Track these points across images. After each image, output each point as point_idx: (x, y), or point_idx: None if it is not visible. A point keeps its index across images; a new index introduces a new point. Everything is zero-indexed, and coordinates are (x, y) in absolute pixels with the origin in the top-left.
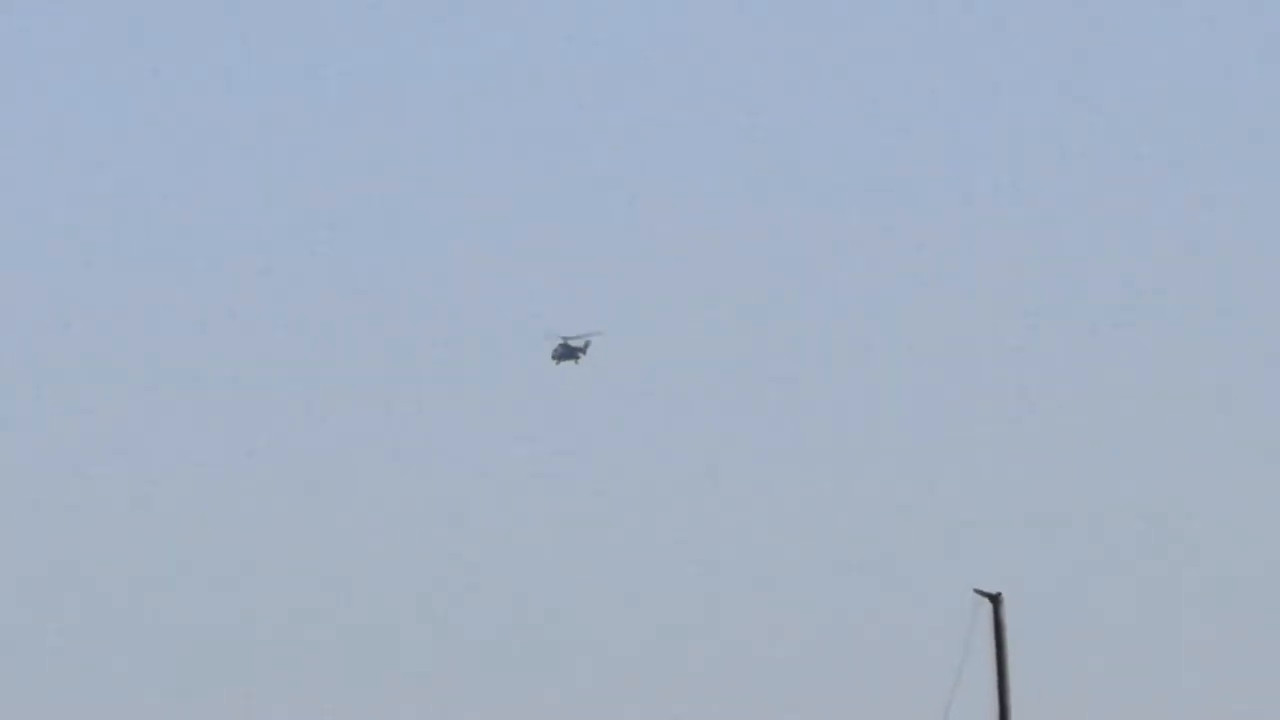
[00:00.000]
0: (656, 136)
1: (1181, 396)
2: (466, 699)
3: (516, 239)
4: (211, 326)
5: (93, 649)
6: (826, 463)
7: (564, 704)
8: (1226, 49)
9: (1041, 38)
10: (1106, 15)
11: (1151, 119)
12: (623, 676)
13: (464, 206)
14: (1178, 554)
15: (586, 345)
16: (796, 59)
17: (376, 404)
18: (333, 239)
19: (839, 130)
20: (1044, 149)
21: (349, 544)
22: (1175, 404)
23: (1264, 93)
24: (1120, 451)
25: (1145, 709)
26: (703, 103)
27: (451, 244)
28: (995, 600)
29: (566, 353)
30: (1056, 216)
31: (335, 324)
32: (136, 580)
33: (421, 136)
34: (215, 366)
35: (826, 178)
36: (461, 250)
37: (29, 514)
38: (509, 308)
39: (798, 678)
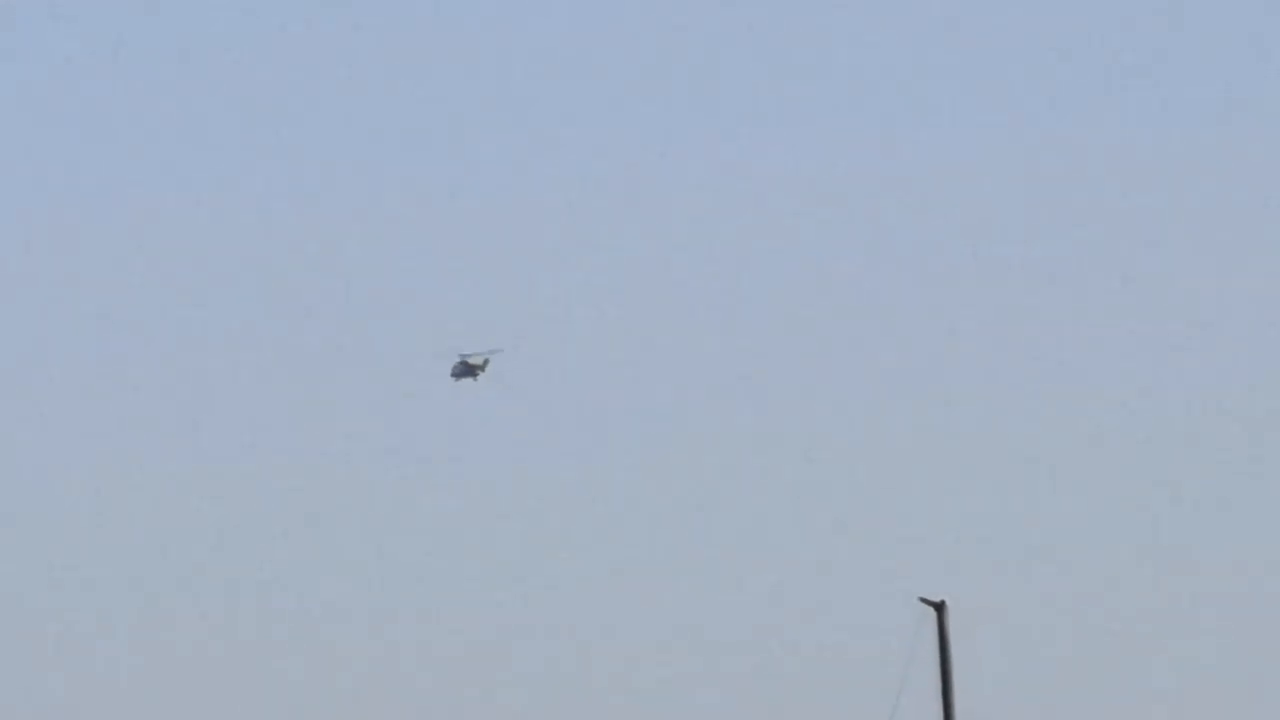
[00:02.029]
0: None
1: (1125, 398)
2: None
3: (423, 253)
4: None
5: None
6: (772, 468)
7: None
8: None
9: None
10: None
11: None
12: (565, 687)
13: (371, 217)
14: (1123, 561)
15: (486, 363)
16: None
17: (278, 414)
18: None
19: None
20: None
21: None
22: (1118, 406)
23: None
24: (1065, 458)
25: (1090, 717)
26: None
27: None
28: (939, 608)
29: (465, 370)
30: (995, 215)
31: (256, 331)
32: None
33: (337, 138)
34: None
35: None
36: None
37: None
38: (413, 323)
39: (743, 686)
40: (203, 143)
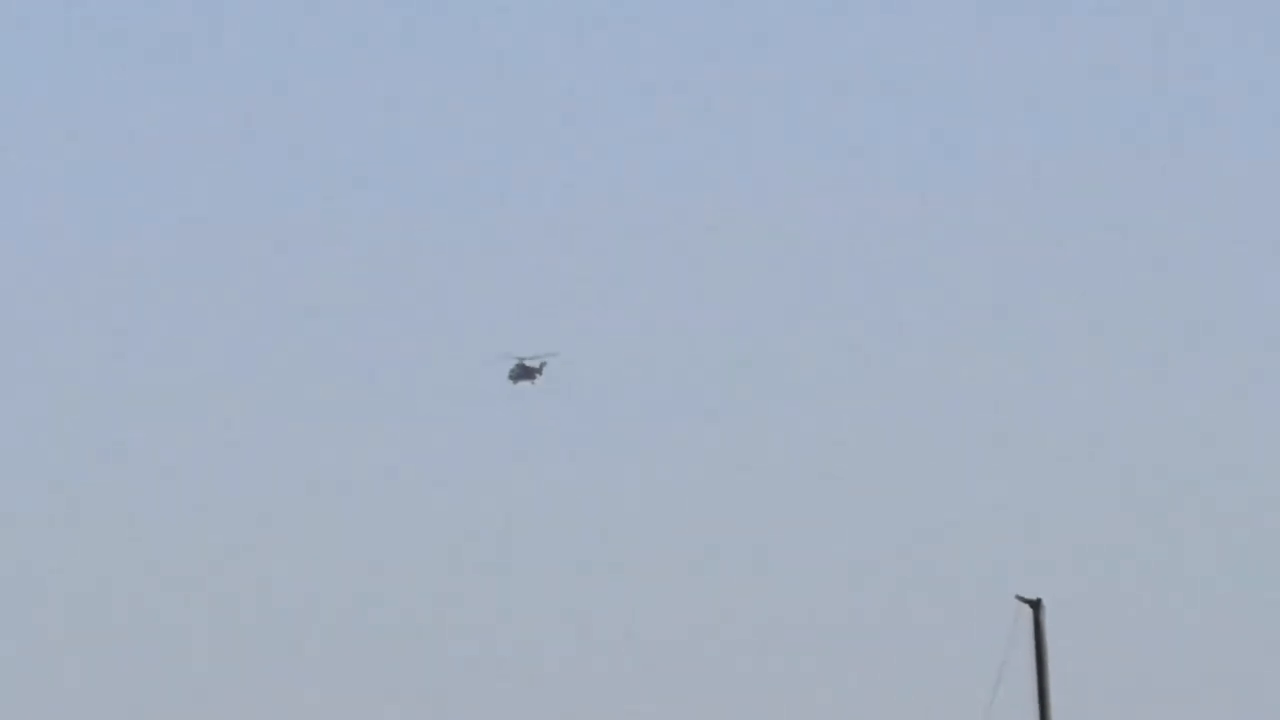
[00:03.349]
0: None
1: (1225, 395)
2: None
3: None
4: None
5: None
6: (871, 466)
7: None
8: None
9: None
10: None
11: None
12: (639, 679)
13: (423, 222)
14: (1220, 560)
15: (543, 366)
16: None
17: (336, 419)
18: (293, 256)
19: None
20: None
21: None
22: (1218, 404)
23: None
24: (1165, 457)
25: (1184, 716)
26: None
27: (414, 259)
28: (1036, 606)
29: (523, 373)
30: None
31: (295, 337)
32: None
33: (383, 148)
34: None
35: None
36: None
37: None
38: (469, 326)
39: (839, 684)
40: (242, 144)
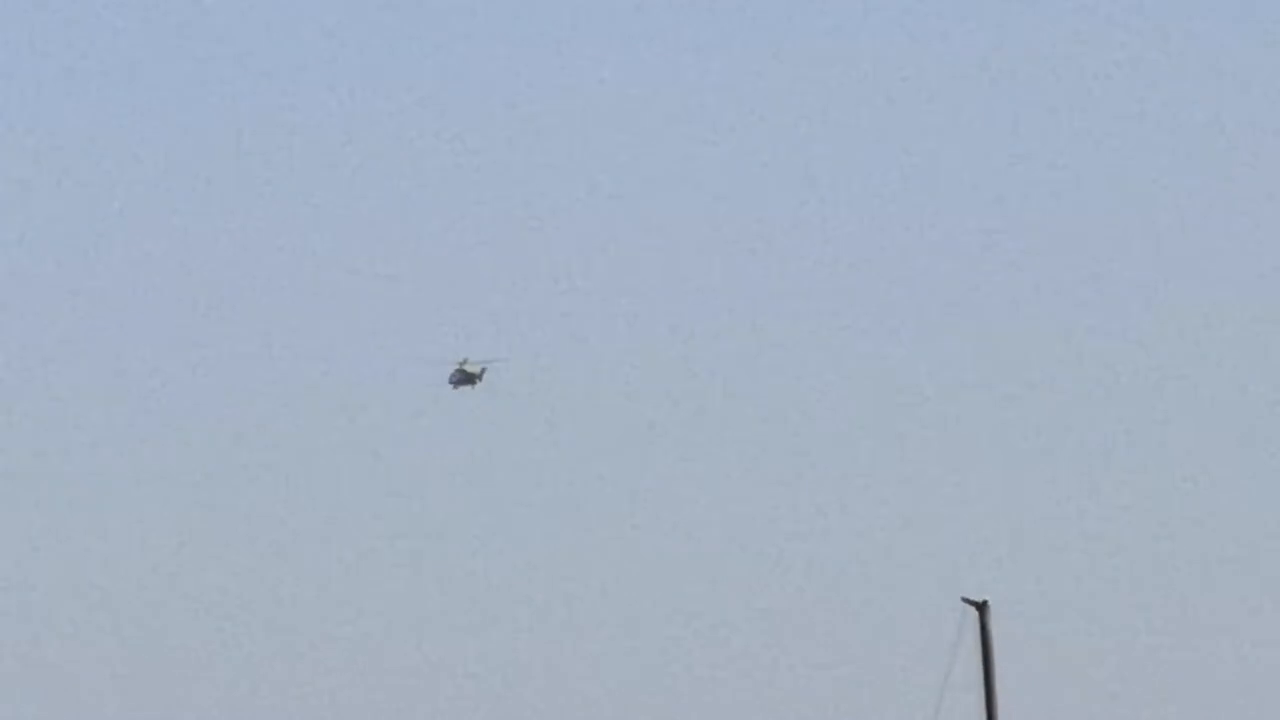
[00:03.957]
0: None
1: (1171, 399)
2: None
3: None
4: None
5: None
6: (816, 469)
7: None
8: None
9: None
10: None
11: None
12: (612, 689)
13: (372, 228)
14: (1165, 561)
15: (483, 371)
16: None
17: (279, 425)
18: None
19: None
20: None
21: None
22: (1166, 408)
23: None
24: (1110, 458)
25: (1132, 717)
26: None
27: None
28: (981, 608)
29: (464, 378)
30: (1037, 222)
31: (249, 347)
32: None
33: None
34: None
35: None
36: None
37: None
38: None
39: (784, 686)
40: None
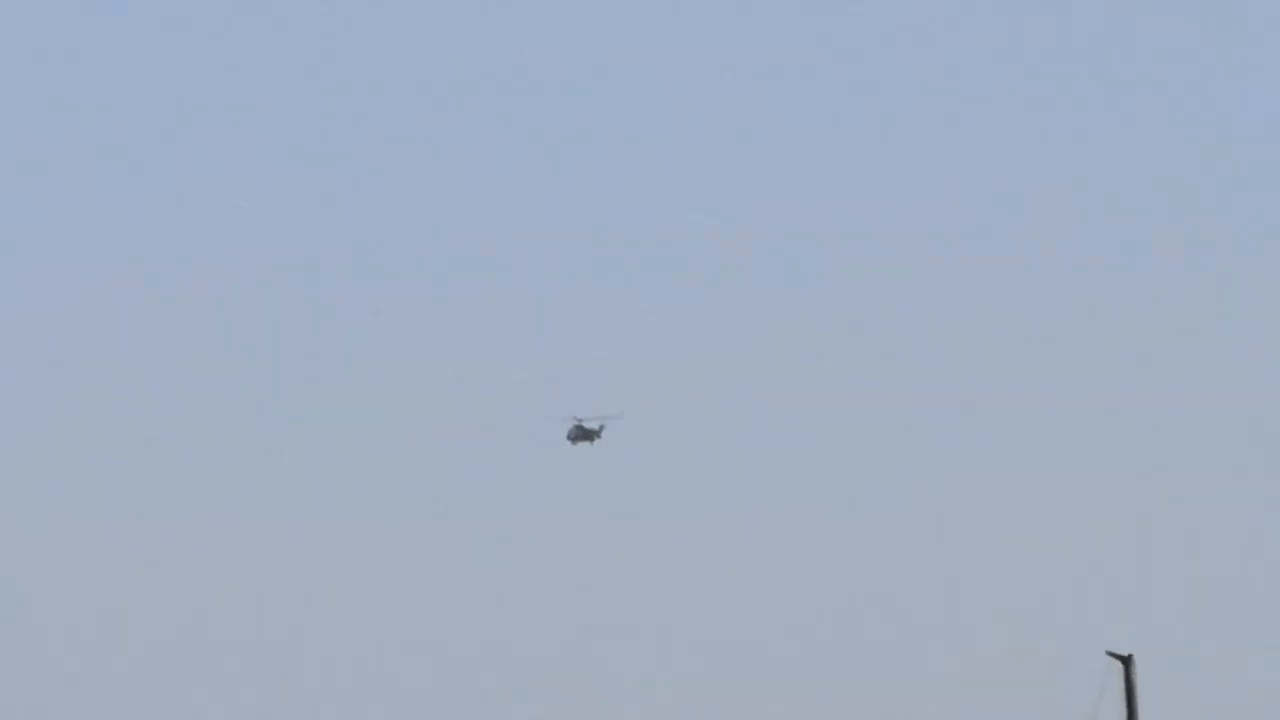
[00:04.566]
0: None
1: None
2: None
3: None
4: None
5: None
6: (959, 521)
7: None
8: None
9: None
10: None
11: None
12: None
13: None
14: None
15: (602, 428)
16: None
17: (398, 484)
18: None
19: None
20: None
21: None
22: None
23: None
24: (1256, 510)
25: None
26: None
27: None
28: (1127, 662)
29: (582, 434)
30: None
31: (350, 397)
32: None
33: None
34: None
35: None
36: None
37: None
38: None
39: None
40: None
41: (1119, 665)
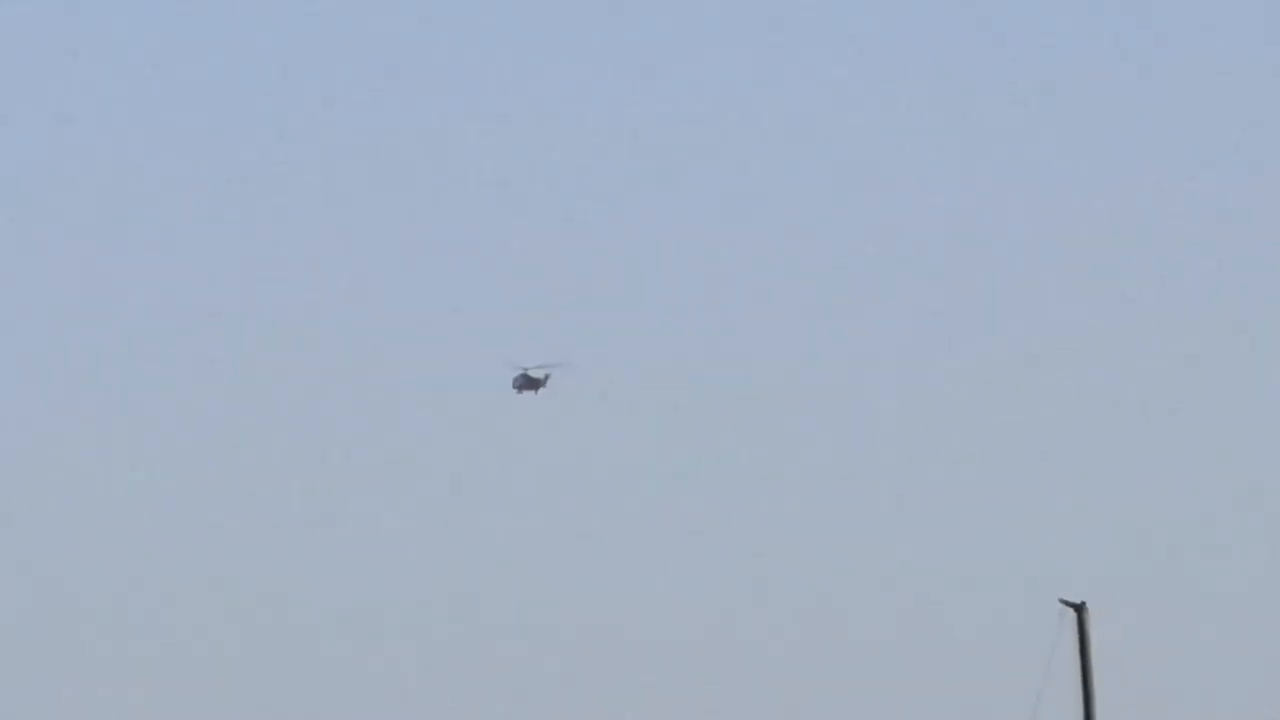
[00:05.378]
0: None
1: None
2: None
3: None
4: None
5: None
6: (912, 466)
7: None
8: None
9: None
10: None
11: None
12: (668, 682)
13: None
14: (1267, 561)
15: (548, 377)
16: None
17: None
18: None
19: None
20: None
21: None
22: (1273, 409)
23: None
24: (1210, 458)
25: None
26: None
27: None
28: (1080, 609)
29: (527, 383)
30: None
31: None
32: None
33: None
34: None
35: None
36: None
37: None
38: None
39: (882, 687)
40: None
41: (1072, 613)
